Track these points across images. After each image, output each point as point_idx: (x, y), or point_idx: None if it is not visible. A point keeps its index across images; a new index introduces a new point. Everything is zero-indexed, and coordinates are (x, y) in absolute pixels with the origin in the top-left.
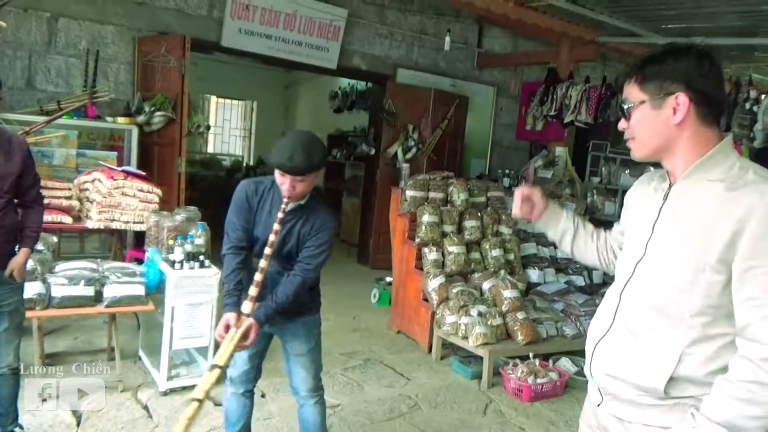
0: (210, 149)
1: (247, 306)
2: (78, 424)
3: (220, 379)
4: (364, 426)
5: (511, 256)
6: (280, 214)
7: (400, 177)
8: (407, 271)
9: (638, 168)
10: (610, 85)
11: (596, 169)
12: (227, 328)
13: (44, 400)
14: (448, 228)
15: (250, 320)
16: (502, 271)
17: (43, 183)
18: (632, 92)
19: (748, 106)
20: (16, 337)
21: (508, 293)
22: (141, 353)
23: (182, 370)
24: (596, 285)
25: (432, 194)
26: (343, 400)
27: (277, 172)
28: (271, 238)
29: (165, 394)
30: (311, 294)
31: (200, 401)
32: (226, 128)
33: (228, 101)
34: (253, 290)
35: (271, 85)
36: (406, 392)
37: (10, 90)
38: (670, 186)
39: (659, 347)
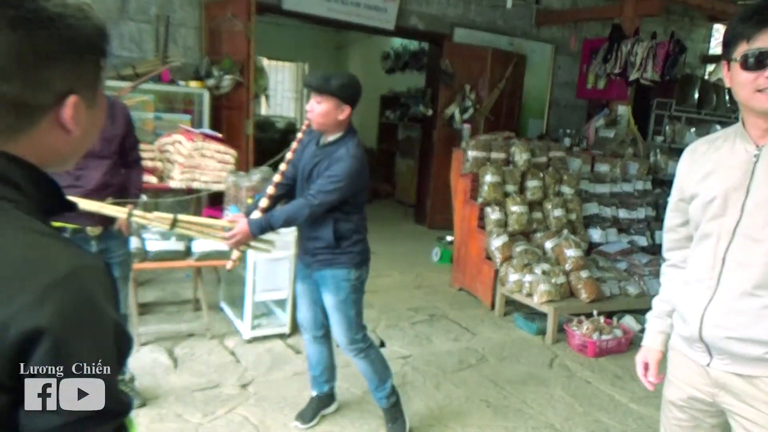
0: (263, 112)
1: (255, 214)
2: (175, 367)
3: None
4: (437, 375)
5: (573, 216)
6: (299, 135)
7: (459, 138)
8: (469, 230)
9: (704, 127)
10: (679, 41)
11: (660, 127)
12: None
13: (143, 344)
14: (510, 188)
15: (243, 221)
16: (565, 231)
17: None
18: None
19: None
20: (125, 286)
21: (571, 252)
22: (222, 304)
23: (263, 321)
24: (658, 245)
25: (494, 155)
26: (414, 351)
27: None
28: (282, 167)
29: (249, 342)
30: (340, 244)
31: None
32: (279, 90)
33: (280, 63)
34: (264, 202)
35: (321, 47)
36: (472, 346)
37: None
38: (759, 147)
39: None
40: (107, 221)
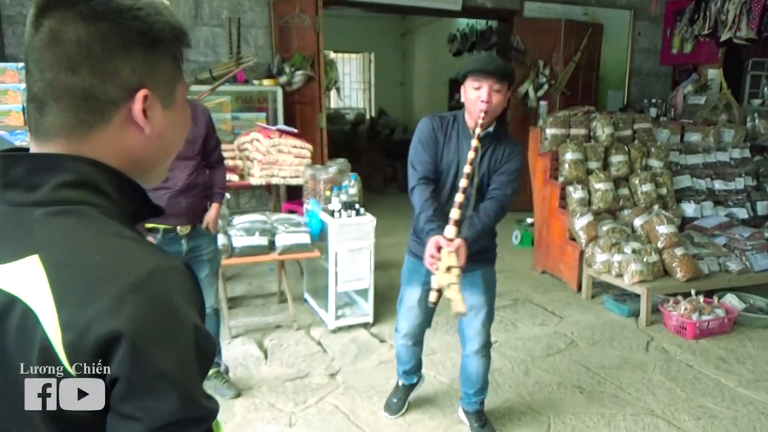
0: (333, 104)
1: (450, 230)
2: (266, 357)
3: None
4: (525, 361)
5: (664, 191)
6: (474, 142)
7: (534, 116)
8: (550, 210)
9: None
10: None
11: (756, 90)
12: (439, 248)
13: (234, 337)
14: (593, 164)
15: (459, 240)
16: (656, 207)
17: None
18: None
19: None
20: (215, 281)
21: (664, 229)
22: (306, 296)
23: (346, 311)
24: (761, 217)
25: (573, 131)
26: (499, 337)
27: (470, 87)
28: (466, 169)
29: (334, 331)
30: (494, 240)
31: (440, 291)
32: (347, 82)
33: (346, 55)
34: (455, 212)
35: (386, 35)
36: (561, 330)
37: None
38: None
39: None
40: (195, 220)
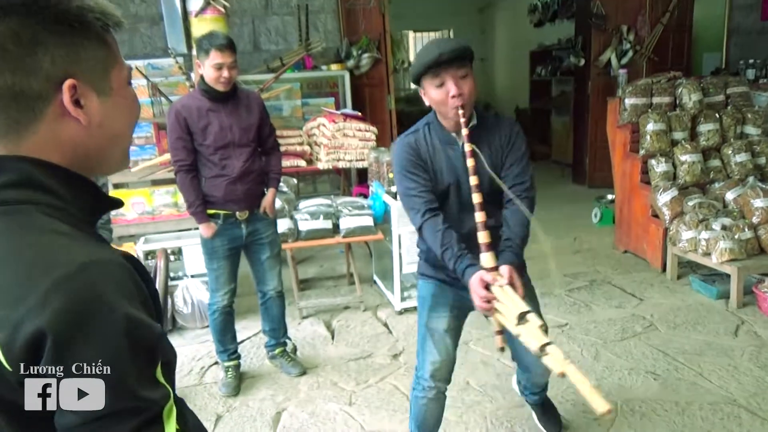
0: (412, 85)
1: (487, 257)
2: (332, 337)
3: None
4: (596, 345)
5: (762, 160)
6: (466, 146)
7: (616, 85)
8: (632, 186)
9: None
10: None
11: None
12: (487, 286)
13: (303, 317)
14: (678, 135)
15: (506, 267)
16: (751, 179)
17: (278, 132)
18: None
19: None
20: (276, 264)
21: (760, 202)
22: (375, 278)
23: (412, 292)
24: None
25: (656, 99)
26: (570, 319)
27: (431, 87)
28: (473, 180)
29: (400, 313)
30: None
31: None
32: None
33: (425, 34)
34: (483, 235)
35: (464, 11)
36: (639, 312)
37: (241, 54)
38: None
39: None
40: (253, 205)
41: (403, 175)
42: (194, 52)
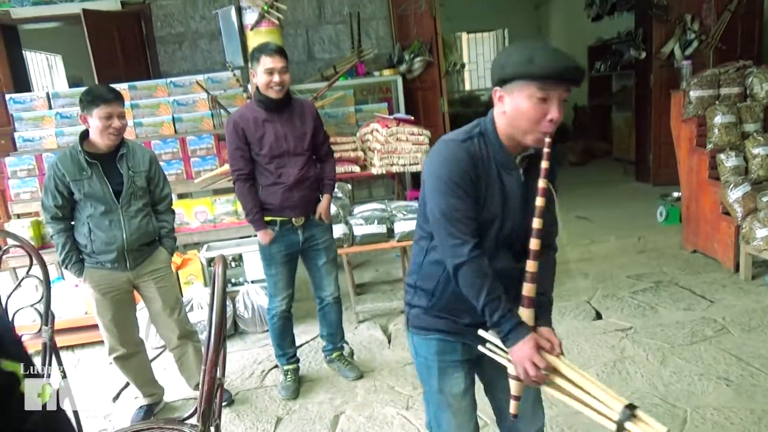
0: (467, 87)
1: (527, 315)
2: (389, 342)
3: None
4: (662, 349)
5: None
6: (541, 182)
7: (680, 77)
8: (699, 182)
9: None
10: None
11: None
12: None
13: (360, 321)
14: (749, 127)
15: (549, 331)
16: None
17: (333, 139)
18: None
19: None
20: (333, 269)
21: None
22: None
23: None
24: None
25: (724, 90)
26: (635, 323)
27: (525, 96)
28: (536, 224)
29: None
30: None
31: (518, 398)
32: (480, 63)
33: (479, 35)
34: (529, 290)
35: (519, 9)
36: (709, 315)
37: (296, 64)
38: None
39: None
40: (309, 211)
41: (451, 189)
42: (250, 65)
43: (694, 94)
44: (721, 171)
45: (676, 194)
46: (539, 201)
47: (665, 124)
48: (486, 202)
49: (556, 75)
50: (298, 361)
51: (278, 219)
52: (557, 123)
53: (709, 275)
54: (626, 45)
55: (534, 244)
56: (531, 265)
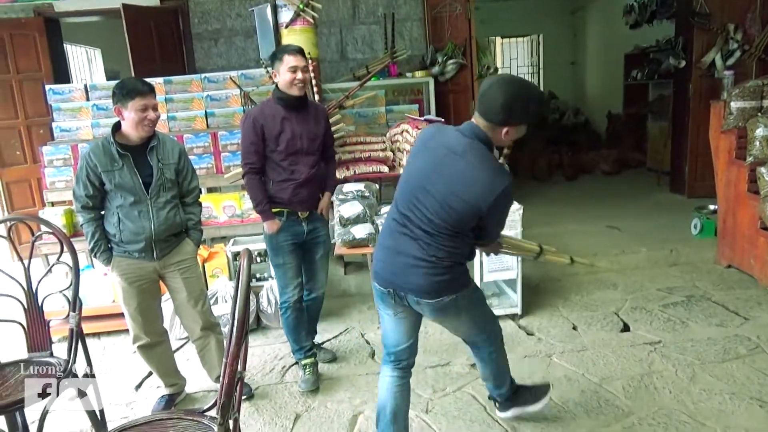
0: None
1: None
2: None
3: None
4: (693, 365)
5: None
6: None
7: (721, 88)
8: (737, 196)
9: None
10: None
11: None
12: None
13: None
14: None
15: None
16: None
17: (362, 139)
18: None
19: None
20: (326, 264)
21: None
22: None
23: (494, 301)
24: None
25: (767, 102)
26: (665, 337)
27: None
28: None
29: None
30: None
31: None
32: (513, 67)
33: (513, 39)
34: None
35: (555, 14)
36: (743, 333)
37: (329, 63)
38: None
39: None
40: (313, 207)
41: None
42: (272, 66)
43: (735, 105)
44: (761, 185)
45: (712, 207)
46: None
47: (703, 135)
48: None
49: None
50: (315, 354)
51: (285, 210)
52: None
53: (744, 291)
54: (665, 53)
55: None
56: None
